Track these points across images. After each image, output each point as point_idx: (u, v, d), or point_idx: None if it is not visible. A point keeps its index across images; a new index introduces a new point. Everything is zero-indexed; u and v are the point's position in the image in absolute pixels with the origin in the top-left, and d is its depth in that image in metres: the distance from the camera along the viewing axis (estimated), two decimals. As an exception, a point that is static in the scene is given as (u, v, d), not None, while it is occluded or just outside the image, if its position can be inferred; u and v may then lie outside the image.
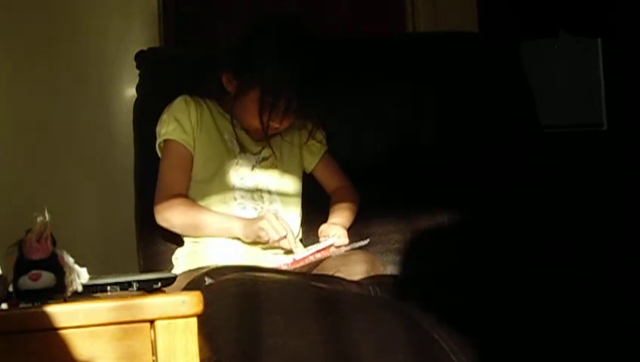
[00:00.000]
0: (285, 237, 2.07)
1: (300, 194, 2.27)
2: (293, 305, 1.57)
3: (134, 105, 2.40)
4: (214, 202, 2.17)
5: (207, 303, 1.30)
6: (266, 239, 2.08)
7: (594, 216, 2.36)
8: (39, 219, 1.28)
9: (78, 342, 1.26)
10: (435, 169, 2.41)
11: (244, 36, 2.19)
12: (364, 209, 2.29)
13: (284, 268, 2.00)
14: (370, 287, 1.74)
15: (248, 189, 2.20)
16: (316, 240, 2.15)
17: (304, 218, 2.26)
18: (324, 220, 2.23)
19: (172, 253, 2.21)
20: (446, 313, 1.58)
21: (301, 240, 2.21)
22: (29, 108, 2.90)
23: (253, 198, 2.19)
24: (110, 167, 2.92)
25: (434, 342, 1.49)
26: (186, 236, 2.19)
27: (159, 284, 1.46)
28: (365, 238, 2.14)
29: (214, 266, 1.84)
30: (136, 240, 2.29)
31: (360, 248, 2.11)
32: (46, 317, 1.24)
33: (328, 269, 2.01)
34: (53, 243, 1.30)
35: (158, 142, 2.21)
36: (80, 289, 1.33)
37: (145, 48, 2.46)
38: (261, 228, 2.07)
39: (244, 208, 2.18)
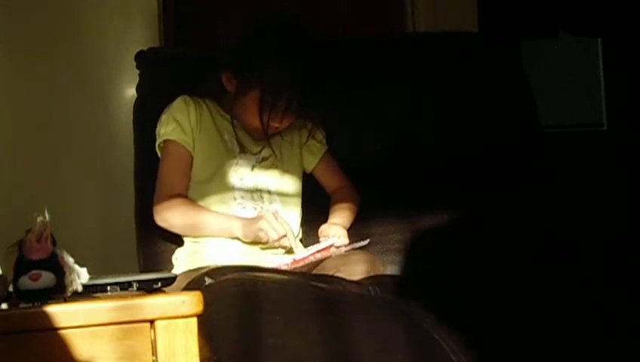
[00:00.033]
0: (285, 236, 2.07)
1: (300, 194, 2.27)
2: (293, 305, 1.57)
3: (134, 105, 2.40)
4: (214, 202, 2.17)
5: (207, 303, 1.30)
6: (265, 239, 2.08)
7: (594, 216, 2.36)
8: (39, 219, 1.28)
9: (78, 342, 1.26)
10: (435, 169, 2.41)
11: (244, 36, 2.19)
12: (364, 209, 2.29)
13: (284, 268, 2.00)
14: (370, 287, 1.74)
15: (248, 189, 2.19)
16: (316, 241, 2.15)
17: (304, 218, 2.26)
18: (324, 220, 2.23)
19: (172, 253, 2.20)
20: (446, 313, 1.58)
21: (301, 240, 2.21)
22: (29, 108, 2.90)
23: (252, 198, 2.19)
24: (110, 167, 2.92)
25: (434, 342, 1.49)
26: (186, 236, 2.19)
27: (159, 284, 1.46)
28: (365, 238, 2.14)
29: (214, 266, 1.84)
30: (136, 240, 2.29)
31: (360, 248, 2.11)
32: (46, 317, 1.24)
33: (328, 269, 2.01)
34: (53, 243, 1.29)
35: (157, 143, 2.21)
36: (80, 289, 1.32)
37: (145, 48, 2.46)
38: (260, 228, 2.07)
39: (244, 208, 2.18)
